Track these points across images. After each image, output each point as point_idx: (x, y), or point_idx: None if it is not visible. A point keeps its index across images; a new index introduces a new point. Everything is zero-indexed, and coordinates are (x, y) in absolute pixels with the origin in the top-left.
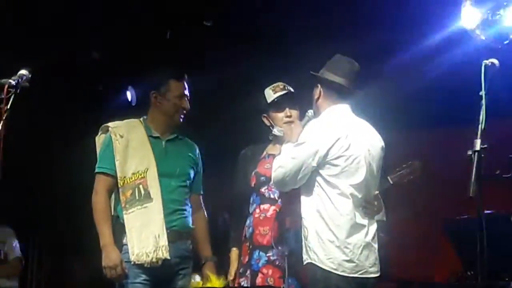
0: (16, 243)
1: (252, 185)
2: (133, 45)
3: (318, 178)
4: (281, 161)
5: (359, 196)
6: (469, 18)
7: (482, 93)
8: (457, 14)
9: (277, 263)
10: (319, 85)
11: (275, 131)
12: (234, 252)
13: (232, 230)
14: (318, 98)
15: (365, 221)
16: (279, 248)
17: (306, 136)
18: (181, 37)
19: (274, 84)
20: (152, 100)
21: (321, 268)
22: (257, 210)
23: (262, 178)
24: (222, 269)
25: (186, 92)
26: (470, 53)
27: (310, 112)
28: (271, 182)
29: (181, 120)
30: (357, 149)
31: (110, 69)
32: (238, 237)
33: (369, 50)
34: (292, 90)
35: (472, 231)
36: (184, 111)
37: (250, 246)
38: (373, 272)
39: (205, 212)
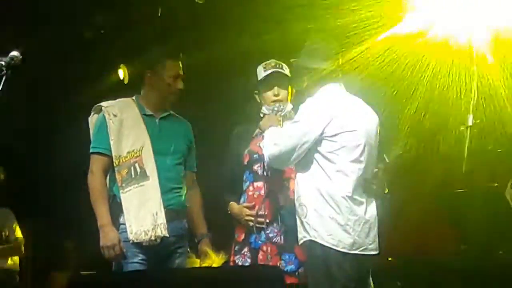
0: (16, 224)
1: (245, 163)
2: (125, 23)
3: (316, 155)
4: (276, 139)
5: (358, 173)
6: None
7: (475, 68)
8: None
9: (274, 240)
10: (303, 75)
11: (264, 109)
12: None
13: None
14: (308, 85)
15: (363, 199)
16: (275, 225)
17: (302, 114)
18: (173, 14)
19: (267, 61)
20: (146, 79)
21: (321, 244)
22: (251, 188)
23: (255, 155)
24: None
25: (181, 72)
26: (463, 27)
27: (277, 106)
28: (264, 159)
29: (175, 99)
30: (355, 126)
31: (102, 47)
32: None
33: (359, 24)
34: (284, 68)
35: (465, 205)
36: (179, 92)
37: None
38: (373, 249)
39: (199, 189)
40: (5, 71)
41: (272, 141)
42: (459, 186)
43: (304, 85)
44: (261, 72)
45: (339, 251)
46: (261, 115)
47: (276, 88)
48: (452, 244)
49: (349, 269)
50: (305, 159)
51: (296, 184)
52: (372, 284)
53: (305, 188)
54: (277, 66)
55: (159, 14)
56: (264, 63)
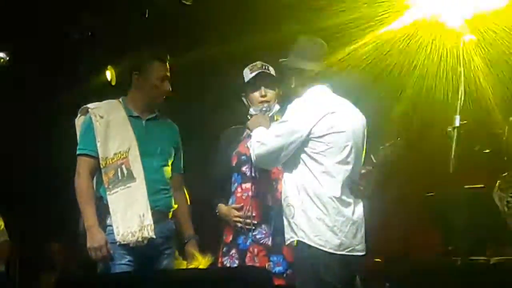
0: (3, 227)
1: (233, 164)
2: (112, 25)
3: (303, 156)
4: (263, 138)
5: (345, 174)
6: None
7: (461, 69)
8: None
9: (261, 241)
10: (293, 75)
11: (251, 111)
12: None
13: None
14: (296, 85)
15: (351, 200)
16: (263, 226)
17: (290, 114)
18: (160, 16)
19: (253, 63)
20: (133, 80)
21: (308, 245)
22: (239, 189)
23: (243, 157)
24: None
25: (168, 73)
26: (449, 28)
27: (265, 107)
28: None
29: (162, 101)
30: (343, 127)
31: (89, 48)
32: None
33: (347, 26)
34: (270, 69)
35: (452, 207)
36: (166, 94)
37: (235, 226)
38: (360, 250)
39: (186, 191)
40: None
41: (259, 140)
42: (446, 187)
43: (292, 86)
44: (248, 74)
45: (326, 251)
46: (249, 117)
47: (263, 88)
48: (439, 245)
49: (336, 269)
50: (292, 159)
51: (284, 184)
52: (360, 285)
53: (292, 188)
54: (263, 67)
55: (146, 16)
56: (250, 65)
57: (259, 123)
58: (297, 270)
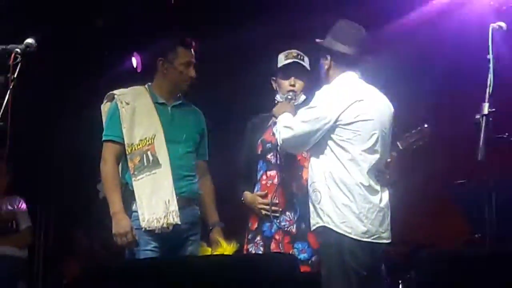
0: (26, 213)
1: (259, 152)
2: (138, 10)
3: (330, 142)
4: (291, 123)
5: (372, 162)
6: None
7: (490, 56)
8: None
9: (286, 228)
10: (328, 56)
11: (278, 97)
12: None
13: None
14: (329, 68)
15: (378, 187)
16: (287, 213)
17: (318, 101)
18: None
19: (290, 50)
20: (158, 66)
21: (334, 231)
22: (264, 177)
23: (268, 145)
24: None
25: (193, 59)
26: (477, 16)
27: (291, 95)
28: (277, 148)
29: (187, 87)
30: (370, 115)
31: (115, 35)
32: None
33: (374, 14)
34: (305, 60)
35: (480, 195)
36: (191, 79)
37: (260, 213)
38: (385, 238)
39: (211, 178)
40: (20, 59)
41: (286, 125)
42: (473, 174)
43: (325, 68)
44: (282, 60)
45: (352, 238)
46: (275, 102)
47: (293, 78)
48: (465, 233)
49: (362, 256)
50: (319, 145)
51: (310, 169)
52: (385, 273)
53: (319, 174)
54: (298, 57)
55: (172, 1)
56: (286, 51)
57: (285, 109)
58: (322, 255)
